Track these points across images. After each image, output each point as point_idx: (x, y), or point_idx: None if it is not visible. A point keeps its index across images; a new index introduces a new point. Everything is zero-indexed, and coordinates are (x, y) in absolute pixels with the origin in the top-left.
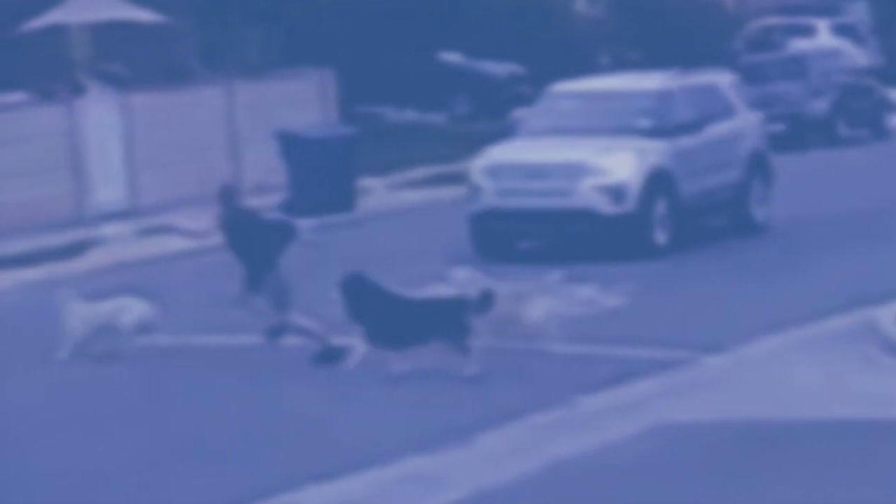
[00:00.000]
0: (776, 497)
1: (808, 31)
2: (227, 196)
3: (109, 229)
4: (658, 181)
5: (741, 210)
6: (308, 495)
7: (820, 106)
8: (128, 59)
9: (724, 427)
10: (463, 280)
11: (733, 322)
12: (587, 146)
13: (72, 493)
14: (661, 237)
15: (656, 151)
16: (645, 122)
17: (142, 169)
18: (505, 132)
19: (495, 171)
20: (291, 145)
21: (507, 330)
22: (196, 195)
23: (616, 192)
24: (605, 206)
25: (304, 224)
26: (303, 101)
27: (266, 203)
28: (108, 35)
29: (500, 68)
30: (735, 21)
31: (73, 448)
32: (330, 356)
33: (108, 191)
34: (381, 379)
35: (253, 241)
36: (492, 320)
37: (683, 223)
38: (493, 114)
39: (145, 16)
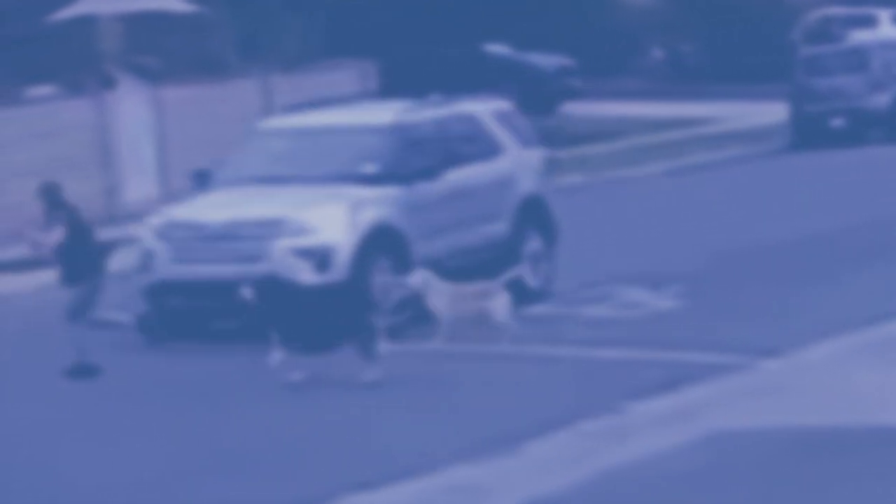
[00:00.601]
0: None
1: (869, 22)
2: (51, 193)
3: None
4: (380, 241)
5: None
6: None
7: (881, 100)
8: (160, 51)
9: (781, 434)
10: (420, 282)
11: (791, 325)
12: (289, 198)
13: None
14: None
15: (380, 203)
16: (369, 167)
17: (174, 166)
18: (552, 128)
19: (170, 233)
20: None
21: (473, 329)
22: None
23: (320, 257)
24: (305, 275)
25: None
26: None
27: None
28: (140, 26)
29: (548, 60)
30: (794, 11)
31: (101, 459)
32: (85, 371)
33: (139, 188)
34: (422, 385)
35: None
36: (460, 320)
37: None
38: (542, 108)
39: (178, 6)
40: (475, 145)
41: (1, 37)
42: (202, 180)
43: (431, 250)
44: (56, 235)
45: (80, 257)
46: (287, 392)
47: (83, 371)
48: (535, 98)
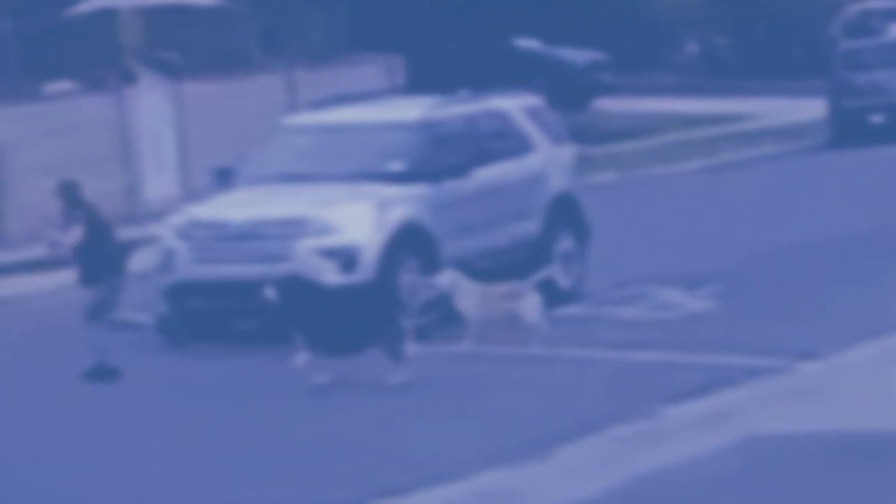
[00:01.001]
0: None
1: None
2: (70, 192)
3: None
4: (408, 241)
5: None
6: None
7: None
8: (181, 45)
9: (818, 439)
10: (448, 283)
11: (828, 327)
12: (313, 196)
13: None
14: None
15: (407, 201)
16: (396, 164)
17: (196, 163)
18: (583, 124)
19: (191, 232)
20: None
21: (503, 331)
22: None
23: (346, 257)
24: (329, 275)
25: None
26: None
27: None
28: (161, 19)
29: (579, 55)
30: (832, 4)
31: (120, 463)
32: (104, 374)
33: (159, 186)
34: (451, 388)
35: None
36: (489, 321)
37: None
38: (573, 104)
39: None
40: (505, 142)
41: (18, 31)
42: (224, 178)
43: (460, 250)
44: (75, 235)
45: (100, 257)
46: (311, 395)
47: (102, 373)
48: (566, 93)
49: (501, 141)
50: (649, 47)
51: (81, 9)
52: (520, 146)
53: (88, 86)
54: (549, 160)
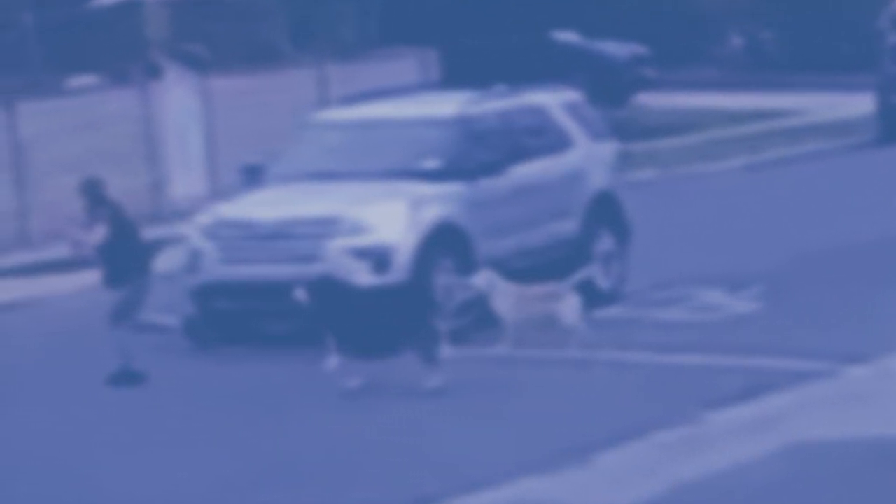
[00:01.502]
0: None
1: None
2: (93, 189)
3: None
4: (442, 240)
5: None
6: None
7: None
8: (208, 38)
9: (865, 445)
10: (484, 284)
11: (876, 330)
12: (345, 195)
13: None
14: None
15: (442, 200)
16: (430, 162)
17: (223, 160)
18: (624, 120)
19: (219, 232)
20: None
21: (541, 333)
22: None
23: (378, 257)
24: (362, 276)
25: None
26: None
27: None
28: (188, 12)
29: (620, 49)
30: None
31: (146, 470)
32: (129, 378)
33: (186, 184)
34: (487, 392)
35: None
36: (526, 323)
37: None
38: (613, 99)
39: None
40: (543, 138)
41: (40, 23)
42: (253, 176)
43: (496, 250)
44: (98, 234)
45: (124, 257)
46: (343, 399)
47: (127, 377)
48: (606, 88)
49: (539, 137)
50: (692, 41)
51: (106, 0)
52: (558, 143)
53: (112, 80)
54: (588, 157)
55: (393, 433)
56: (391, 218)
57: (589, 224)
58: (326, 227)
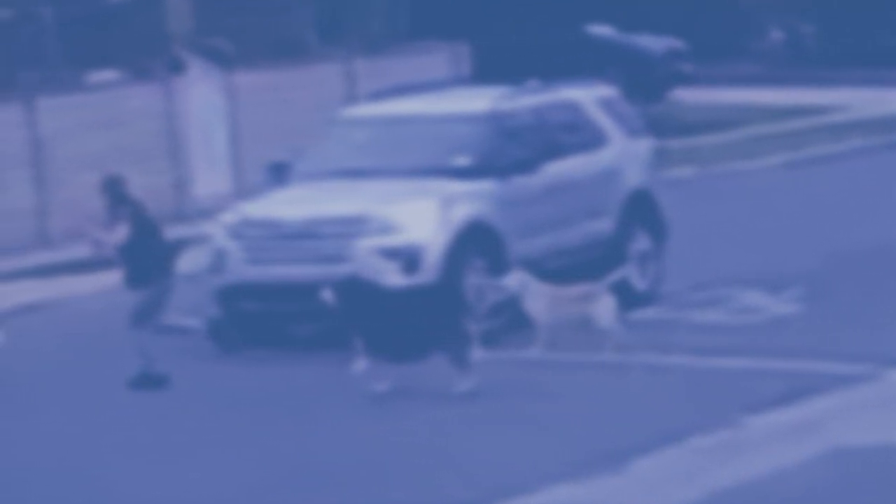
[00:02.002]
0: None
1: None
2: (115, 187)
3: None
4: (474, 240)
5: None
6: None
7: None
8: (233, 32)
9: None
10: (517, 284)
11: None
12: (374, 193)
13: None
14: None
15: (474, 198)
16: (461, 159)
17: (248, 158)
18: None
19: (244, 231)
20: None
21: (575, 336)
22: None
23: (408, 257)
24: (391, 277)
25: None
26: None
27: None
28: (210, 5)
29: (656, 43)
30: None
31: (168, 475)
32: (151, 381)
33: (210, 182)
34: (520, 396)
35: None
36: (560, 325)
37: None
38: (649, 95)
39: None
40: (577, 135)
41: (60, 17)
42: (279, 174)
43: (529, 249)
44: (120, 233)
45: (146, 257)
46: (371, 403)
47: (149, 381)
48: (643, 84)
49: (573, 134)
50: (731, 35)
51: None
52: (593, 139)
53: (134, 75)
54: (623, 154)
55: (422, 438)
56: (421, 217)
57: (624, 223)
58: (354, 226)
